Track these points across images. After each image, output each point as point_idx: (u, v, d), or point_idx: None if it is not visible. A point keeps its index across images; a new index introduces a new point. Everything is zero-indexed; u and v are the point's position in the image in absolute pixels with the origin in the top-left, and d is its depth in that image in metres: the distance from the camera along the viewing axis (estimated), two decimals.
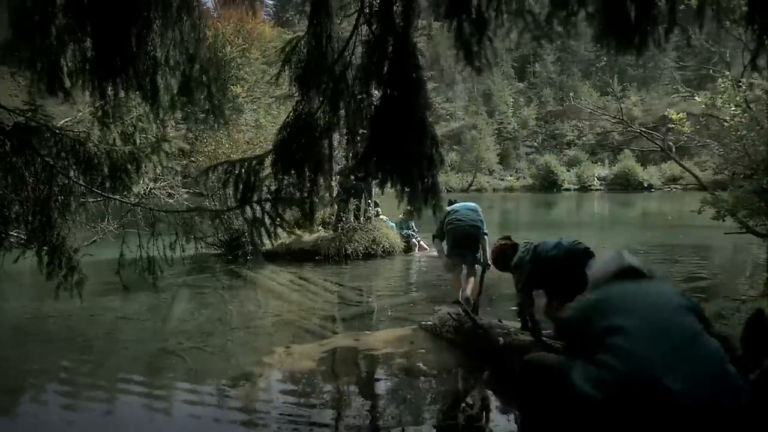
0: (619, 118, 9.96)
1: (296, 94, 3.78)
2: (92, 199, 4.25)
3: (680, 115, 8.71)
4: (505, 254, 5.00)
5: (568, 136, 62.97)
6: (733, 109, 8.48)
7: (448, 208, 6.44)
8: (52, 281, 3.96)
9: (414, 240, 12.50)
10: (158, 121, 4.20)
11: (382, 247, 11.70)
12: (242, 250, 11.06)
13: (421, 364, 5.19)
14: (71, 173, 3.87)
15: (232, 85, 39.34)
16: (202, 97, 3.71)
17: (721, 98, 8.71)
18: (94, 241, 8.39)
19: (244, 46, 46.76)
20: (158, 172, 4.74)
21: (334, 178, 10.48)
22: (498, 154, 61.40)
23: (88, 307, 6.44)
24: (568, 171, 54.78)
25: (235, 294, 8.64)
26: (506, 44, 3.21)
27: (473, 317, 5.14)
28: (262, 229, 3.90)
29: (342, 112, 3.47)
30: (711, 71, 10.83)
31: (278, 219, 3.89)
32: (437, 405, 4.43)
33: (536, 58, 71.29)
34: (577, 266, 4.60)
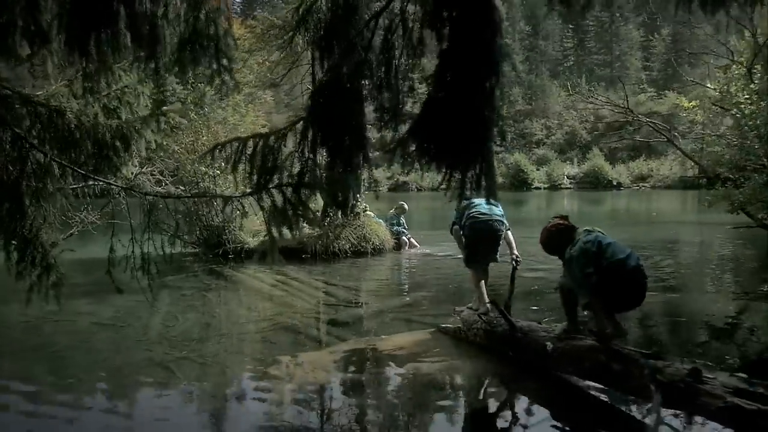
0: (625, 108, 9.59)
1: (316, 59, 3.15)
2: (72, 184, 3.51)
3: (693, 104, 8.31)
4: (560, 236, 4.22)
5: (537, 135, 63.16)
6: (746, 97, 8.17)
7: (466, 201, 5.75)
8: (23, 282, 3.22)
9: (405, 237, 11.88)
10: (155, 86, 3.47)
11: (372, 244, 11.05)
12: (223, 248, 10.32)
13: (449, 374, 4.61)
14: (47, 150, 3.14)
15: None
16: (211, 52, 3.01)
17: (735, 86, 8.40)
18: (72, 233, 7.51)
19: None
20: (152, 150, 4.00)
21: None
22: None
23: (58, 311, 5.60)
24: (538, 170, 54.85)
25: (220, 296, 7.94)
26: None
27: (510, 319, 4.53)
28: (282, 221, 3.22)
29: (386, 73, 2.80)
30: (711, 62, 10.55)
31: (301, 208, 3.21)
32: (472, 420, 3.87)
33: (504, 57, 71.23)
34: (635, 282, 3.94)
